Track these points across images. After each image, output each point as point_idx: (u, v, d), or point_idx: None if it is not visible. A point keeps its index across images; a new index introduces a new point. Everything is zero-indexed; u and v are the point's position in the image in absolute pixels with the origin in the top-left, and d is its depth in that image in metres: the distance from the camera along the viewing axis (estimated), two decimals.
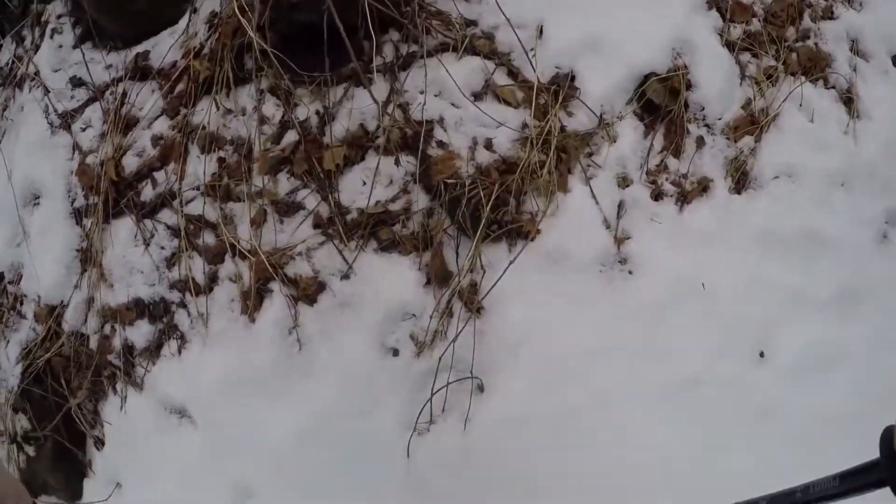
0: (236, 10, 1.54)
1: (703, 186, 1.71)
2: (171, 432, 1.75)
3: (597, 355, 1.62)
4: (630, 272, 1.65)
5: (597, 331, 1.62)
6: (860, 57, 1.93)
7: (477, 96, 1.67)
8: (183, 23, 1.89)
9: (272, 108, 1.74)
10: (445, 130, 1.64)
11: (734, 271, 1.71)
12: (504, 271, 1.50)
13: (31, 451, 1.97)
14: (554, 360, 1.60)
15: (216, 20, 1.81)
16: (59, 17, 2.10)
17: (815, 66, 1.85)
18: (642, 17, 1.75)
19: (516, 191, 1.60)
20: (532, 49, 1.69)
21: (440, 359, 1.55)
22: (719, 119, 1.76)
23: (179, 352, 1.76)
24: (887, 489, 0.48)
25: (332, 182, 1.65)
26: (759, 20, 1.86)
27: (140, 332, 1.80)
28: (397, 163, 1.63)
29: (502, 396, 1.61)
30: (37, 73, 2.05)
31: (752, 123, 1.76)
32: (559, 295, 1.62)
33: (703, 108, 1.75)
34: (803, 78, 1.83)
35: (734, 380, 1.63)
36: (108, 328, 1.84)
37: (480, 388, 1.62)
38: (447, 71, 1.61)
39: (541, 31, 1.73)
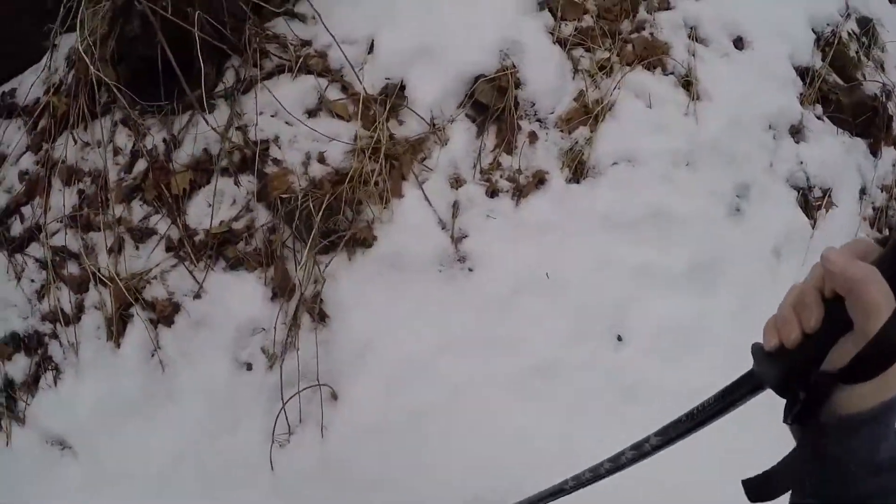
0: (90, 45, 1.63)
1: (539, 179, 1.76)
2: (53, 465, 1.75)
3: (444, 353, 1.66)
4: (470, 269, 1.70)
5: (441, 329, 1.67)
6: (699, 42, 1.98)
7: (312, 113, 1.75)
8: (45, 59, 1.97)
9: (124, 139, 1.83)
10: (280, 148, 1.71)
11: (580, 258, 1.74)
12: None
13: None
14: (401, 363, 1.65)
15: (73, 55, 1.89)
16: None
17: (650, 55, 1.91)
18: (471, 24, 1.82)
19: (349, 200, 1.66)
20: (362, 63, 1.77)
21: (299, 369, 1.60)
22: (551, 113, 1.82)
23: (55, 382, 1.81)
24: (767, 391, 0.51)
25: (180, 206, 1.73)
26: (592, 16, 1.93)
27: (18, 366, 1.84)
28: (237, 183, 1.70)
29: (354, 403, 1.65)
30: None
31: (586, 114, 1.81)
32: (400, 298, 1.67)
33: (534, 104, 1.81)
34: (639, 67, 1.89)
35: (593, 363, 1.66)
36: None
37: (334, 397, 1.66)
38: (272, 94, 1.68)
39: (371, 46, 1.80)
